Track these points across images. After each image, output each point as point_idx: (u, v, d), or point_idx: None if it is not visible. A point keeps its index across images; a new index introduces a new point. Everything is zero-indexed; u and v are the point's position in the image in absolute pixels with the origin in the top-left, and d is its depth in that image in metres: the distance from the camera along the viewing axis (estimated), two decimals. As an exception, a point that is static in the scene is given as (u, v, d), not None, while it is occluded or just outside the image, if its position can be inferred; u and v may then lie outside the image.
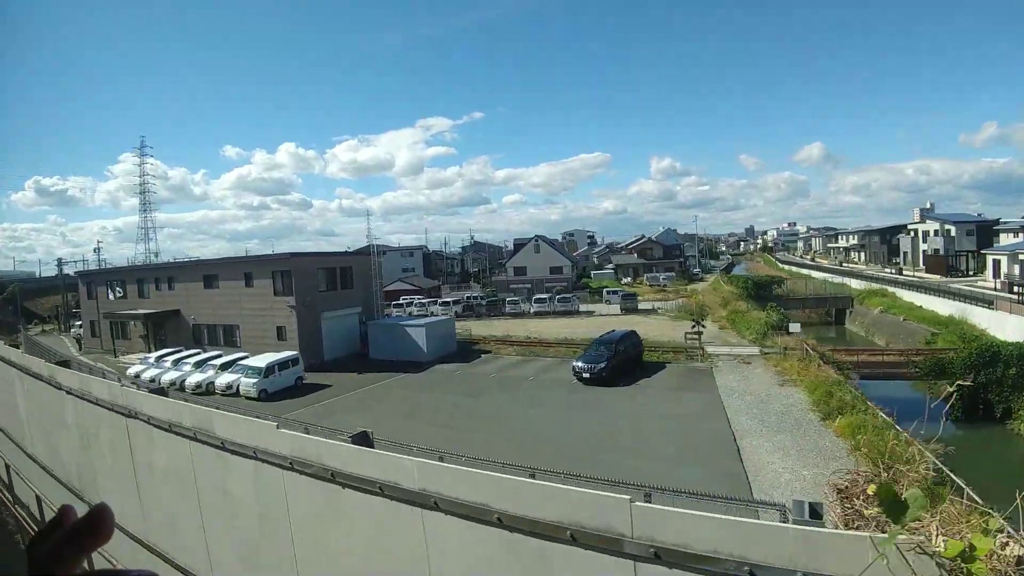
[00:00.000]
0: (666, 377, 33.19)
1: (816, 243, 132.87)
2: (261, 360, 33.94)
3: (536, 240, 72.41)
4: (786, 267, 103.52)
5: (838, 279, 75.61)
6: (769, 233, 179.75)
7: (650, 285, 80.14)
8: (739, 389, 29.62)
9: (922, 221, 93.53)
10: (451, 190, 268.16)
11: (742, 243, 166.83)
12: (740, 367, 34.40)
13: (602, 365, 31.29)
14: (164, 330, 45.97)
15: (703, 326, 38.61)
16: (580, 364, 31.84)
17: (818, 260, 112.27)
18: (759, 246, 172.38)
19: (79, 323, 65.06)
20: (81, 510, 0.82)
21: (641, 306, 58.64)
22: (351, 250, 60.58)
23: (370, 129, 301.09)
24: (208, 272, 42.86)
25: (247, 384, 33.02)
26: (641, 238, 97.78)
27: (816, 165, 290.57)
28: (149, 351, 45.96)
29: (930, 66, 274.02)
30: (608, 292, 65.46)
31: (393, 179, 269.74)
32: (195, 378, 35.56)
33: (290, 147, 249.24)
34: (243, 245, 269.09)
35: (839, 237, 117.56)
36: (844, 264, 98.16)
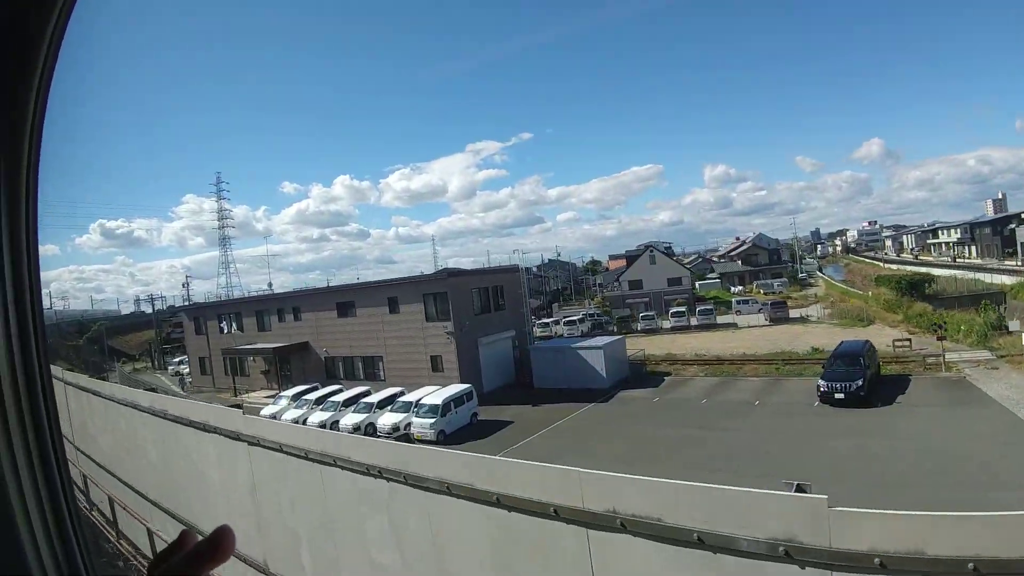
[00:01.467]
0: (923, 392, 27.98)
1: (909, 240, 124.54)
2: (436, 396, 29.14)
3: (651, 250, 66.91)
4: (890, 267, 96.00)
5: (967, 275, 68.93)
6: (849, 234, 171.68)
7: (764, 292, 74.11)
8: (1021, 400, 24.71)
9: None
10: (504, 211, 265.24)
11: (818, 246, 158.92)
12: (991, 374, 29.45)
13: (859, 383, 26.13)
14: (289, 365, 41.67)
15: (944, 332, 32.90)
16: (828, 383, 26.65)
17: (921, 257, 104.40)
18: (839, 248, 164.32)
19: (177, 359, 61.74)
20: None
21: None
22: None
23: (421, 156, 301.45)
24: (343, 299, 38.46)
25: (422, 425, 28.18)
26: (741, 244, 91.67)
27: (876, 162, 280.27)
28: (276, 388, 41.69)
29: (978, 51, 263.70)
30: (739, 302, 59.79)
31: (447, 204, 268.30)
32: (351, 419, 30.90)
33: (345, 179, 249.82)
34: (305, 277, 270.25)
35: (939, 232, 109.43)
36: (957, 259, 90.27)
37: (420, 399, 29.84)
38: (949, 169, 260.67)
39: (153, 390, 27.31)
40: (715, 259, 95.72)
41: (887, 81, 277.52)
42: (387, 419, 29.90)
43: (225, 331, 44.90)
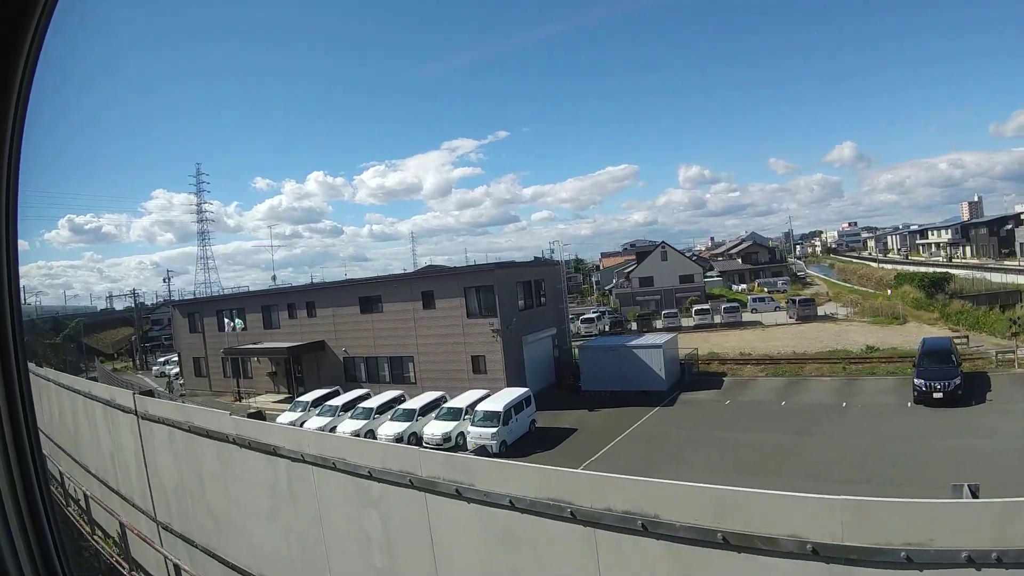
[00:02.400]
0: (1008, 389, 26.72)
1: (893, 241, 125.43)
2: (495, 401, 26.09)
3: (663, 247, 64.47)
4: (883, 266, 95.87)
5: (975, 275, 68.70)
6: (828, 235, 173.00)
7: (768, 291, 72.67)
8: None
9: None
10: (480, 210, 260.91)
11: (797, 246, 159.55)
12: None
13: (956, 381, 25.01)
14: (300, 367, 37.94)
15: (1020, 329, 31.70)
16: (926, 382, 25.23)
17: (911, 257, 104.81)
18: (818, 248, 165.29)
19: (162, 359, 56.93)
20: None
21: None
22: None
23: (396, 154, 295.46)
24: (367, 293, 34.88)
25: (481, 434, 25.06)
26: (740, 242, 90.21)
27: (848, 165, 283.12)
28: (286, 392, 37.97)
29: (954, 56, 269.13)
30: (754, 300, 57.98)
31: (422, 202, 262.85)
32: (390, 428, 27.55)
33: (319, 175, 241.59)
34: (278, 273, 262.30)
35: (928, 232, 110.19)
36: (953, 259, 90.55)
37: (472, 405, 26.78)
38: (920, 173, 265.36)
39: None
40: (715, 256, 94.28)
41: (860, 85, 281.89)
42: (434, 428, 26.69)
43: (227, 329, 40.76)
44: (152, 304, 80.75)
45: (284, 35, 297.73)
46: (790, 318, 50.29)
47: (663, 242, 66.05)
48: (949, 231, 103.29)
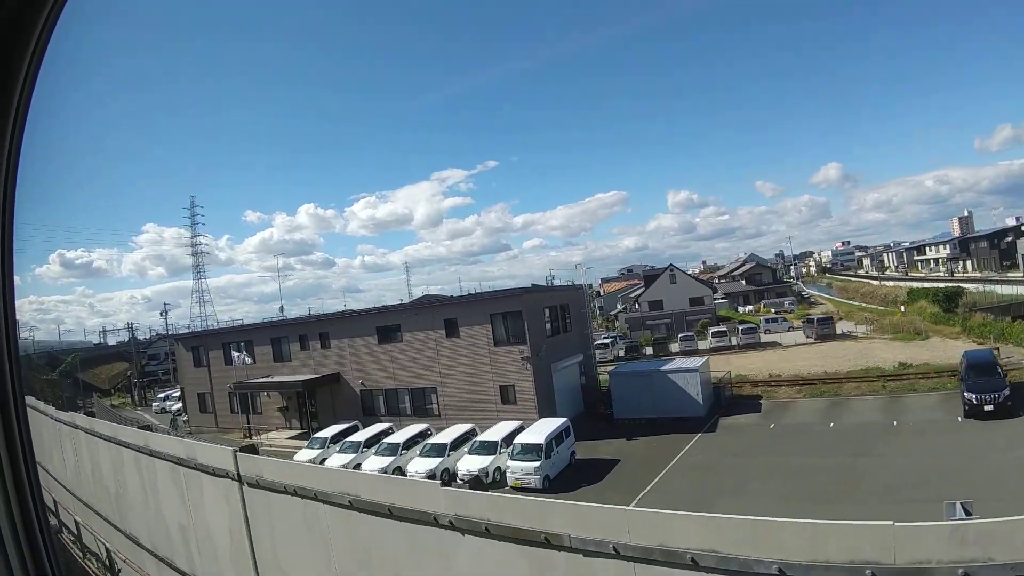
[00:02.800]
0: None
1: (890, 258, 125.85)
2: (535, 434, 24.71)
3: (671, 269, 63.58)
4: (886, 283, 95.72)
5: (984, 288, 68.49)
6: (823, 254, 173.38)
7: (775, 312, 71.90)
8: None
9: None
10: (471, 239, 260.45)
11: (791, 267, 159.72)
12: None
13: (1006, 392, 24.66)
14: (314, 401, 36.34)
15: None
16: (976, 395, 24.71)
17: (911, 274, 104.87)
18: (812, 268, 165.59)
19: (163, 395, 55.07)
20: None
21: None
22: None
23: (386, 185, 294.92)
24: (385, 323, 33.50)
25: (523, 469, 23.63)
26: (742, 264, 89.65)
27: (835, 185, 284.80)
28: (299, 427, 36.31)
29: (937, 71, 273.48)
30: (767, 320, 57.12)
31: (413, 232, 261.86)
32: (420, 464, 26.03)
33: (310, 208, 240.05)
34: (270, 306, 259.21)
35: (926, 248, 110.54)
36: (955, 274, 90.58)
37: (508, 438, 25.41)
38: (907, 190, 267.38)
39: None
40: (714, 279, 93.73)
41: (844, 105, 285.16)
42: (469, 463, 25.17)
43: (235, 362, 39.08)
44: (146, 338, 78.84)
45: (271, 68, 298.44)
46: (808, 338, 49.37)
47: (671, 265, 65.28)
48: (947, 246, 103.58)
